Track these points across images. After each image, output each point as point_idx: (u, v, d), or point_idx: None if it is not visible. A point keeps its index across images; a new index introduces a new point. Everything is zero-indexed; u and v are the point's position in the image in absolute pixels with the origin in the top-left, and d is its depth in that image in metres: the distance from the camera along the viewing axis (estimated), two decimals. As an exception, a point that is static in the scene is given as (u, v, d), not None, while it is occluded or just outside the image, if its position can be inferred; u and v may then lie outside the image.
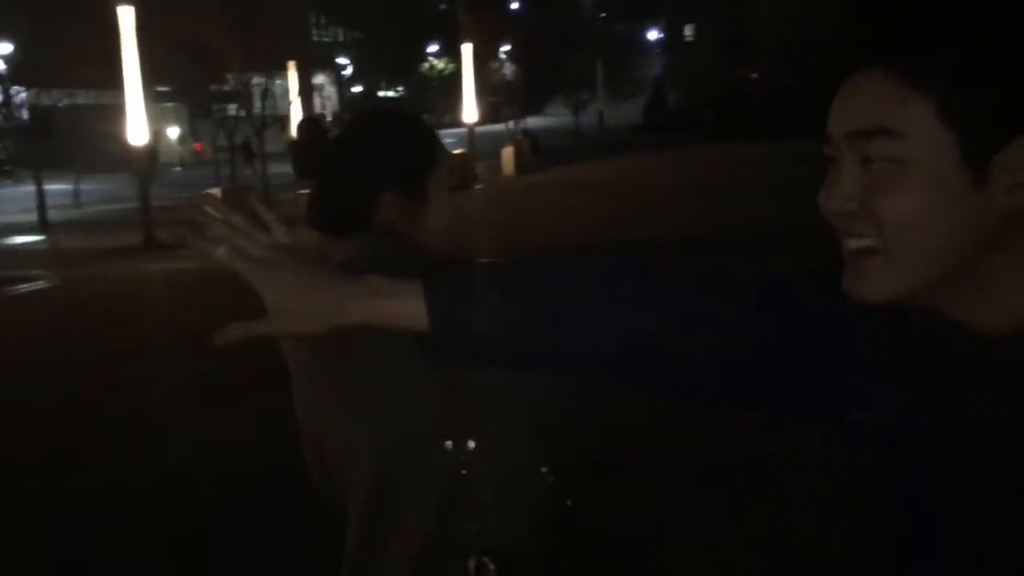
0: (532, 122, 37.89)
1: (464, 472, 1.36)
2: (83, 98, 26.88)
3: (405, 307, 0.90)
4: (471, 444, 1.37)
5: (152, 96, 17.09)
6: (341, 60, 41.91)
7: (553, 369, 0.95)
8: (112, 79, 16.56)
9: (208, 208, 0.93)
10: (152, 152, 18.68)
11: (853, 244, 0.81)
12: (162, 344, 8.27)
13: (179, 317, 9.79)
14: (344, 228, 1.50)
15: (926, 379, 0.84)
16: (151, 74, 15.98)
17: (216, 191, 16.88)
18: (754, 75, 42.79)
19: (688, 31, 56.43)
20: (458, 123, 27.94)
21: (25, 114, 22.58)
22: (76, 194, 24.12)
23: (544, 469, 1.48)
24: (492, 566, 1.37)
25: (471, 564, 1.37)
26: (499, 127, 34.29)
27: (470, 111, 26.93)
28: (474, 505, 1.37)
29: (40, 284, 12.21)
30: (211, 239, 0.92)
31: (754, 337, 0.91)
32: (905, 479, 0.86)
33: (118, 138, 22.16)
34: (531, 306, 0.91)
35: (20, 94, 17.37)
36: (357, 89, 43.65)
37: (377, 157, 1.52)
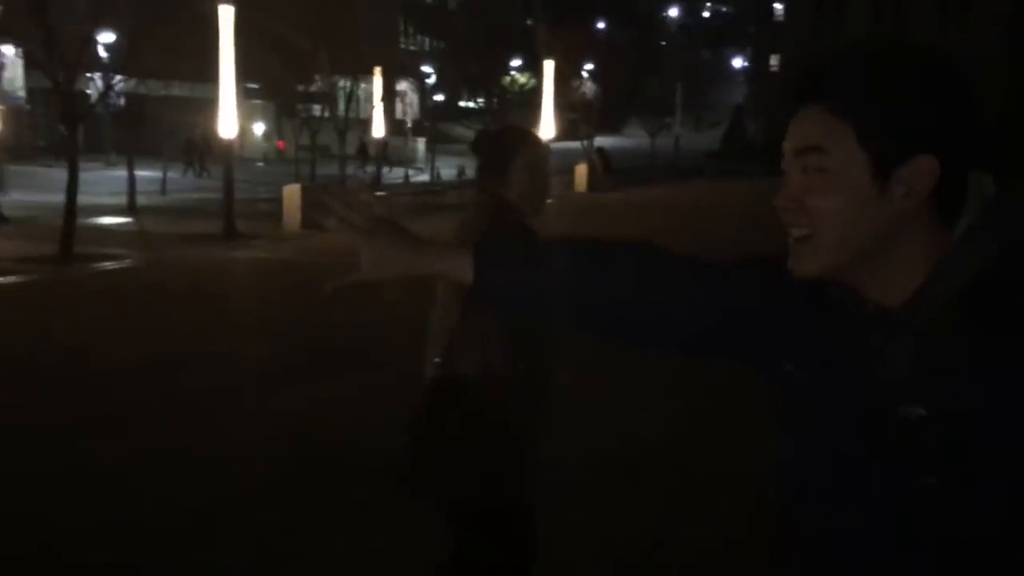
0: (608, 142, 38.06)
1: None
2: (177, 90, 28.01)
3: (458, 266, 1.24)
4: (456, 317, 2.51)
5: (241, 92, 17.78)
6: (425, 68, 42.72)
7: (544, 315, 1.29)
8: (205, 73, 17.31)
9: (331, 194, 1.29)
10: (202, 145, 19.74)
11: (794, 233, 1.09)
12: (235, 323, 8.75)
13: (253, 301, 10.30)
14: (480, 190, 2.74)
15: (838, 338, 1.10)
16: (243, 71, 16.67)
17: (295, 187, 17.50)
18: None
19: (774, 61, 56.03)
20: (535, 138, 28.20)
21: (122, 102, 23.66)
22: (163, 181, 25.14)
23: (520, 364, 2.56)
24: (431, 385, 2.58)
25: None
26: (575, 144, 34.58)
27: (548, 127, 27.28)
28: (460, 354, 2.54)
29: (126, 263, 12.88)
30: (328, 214, 1.26)
31: (714, 309, 1.21)
32: (816, 419, 1.11)
33: (207, 131, 23.16)
34: (533, 277, 1.25)
35: (119, 83, 18.21)
36: (439, 98, 44.43)
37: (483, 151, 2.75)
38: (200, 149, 31.15)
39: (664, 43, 46.73)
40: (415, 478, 2.62)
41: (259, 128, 42.05)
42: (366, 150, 28.77)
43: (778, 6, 52.30)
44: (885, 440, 1.05)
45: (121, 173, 22.18)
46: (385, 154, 32.57)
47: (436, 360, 2.56)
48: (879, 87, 1.03)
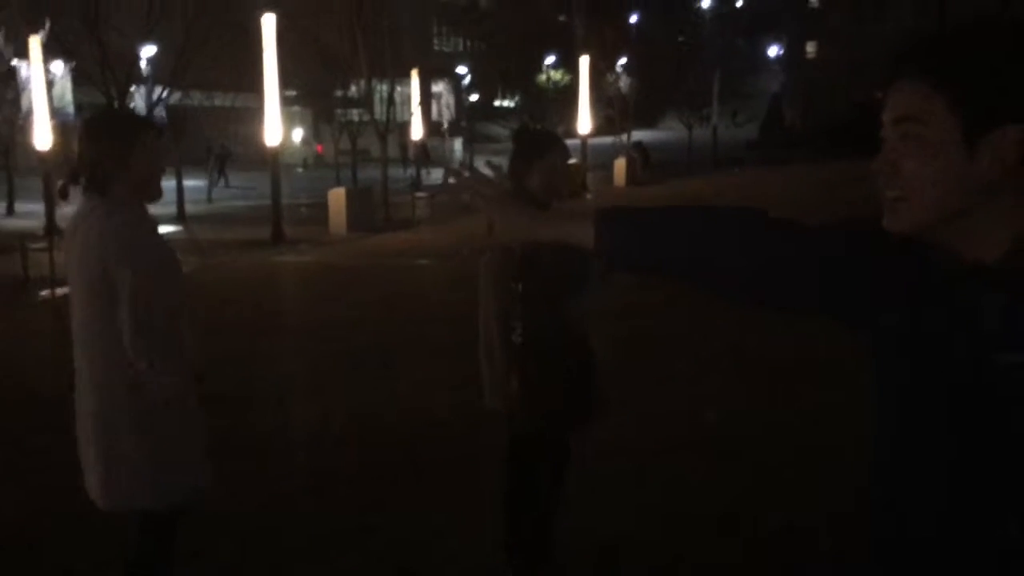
0: (646, 135, 37.95)
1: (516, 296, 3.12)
2: (219, 100, 28.50)
3: (580, 231, 1.35)
4: (520, 287, 3.10)
5: (281, 100, 18.05)
6: (460, 69, 42.95)
7: (664, 273, 1.38)
8: (246, 83, 17.60)
9: (462, 172, 1.46)
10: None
11: (889, 193, 1.22)
12: (285, 324, 8.96)
13: (306, 302, 10.53)
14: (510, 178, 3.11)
15: (933, 293, 1.22)
16: (283, 79, 16.92)
17: (340, 190, 17.76)
18: (880, 95, 41.64)
19: (810, 48, 55.44)
20: (572, 134, 28.33)
21: (164, 113, 24.16)
22: (208, 190, 25.63)
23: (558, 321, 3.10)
24: (520, 340, 3.12)
25: (514, 337, 3.15)
26: (612, 139, 34.54)
27: (584, 122, 27.34)
28: (520, 314, 3.13)
29: (180, 270, 13.18)
30: (462, 189, 1.43)
31: (811, 267, 1.31)
32: (911, 370, 1.22)
33: (248, 139, 23.66)
34: (653, 239, 1.35)
35: (166, 96, 18.61)
36: (474, 98, 44.65)
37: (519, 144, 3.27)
38: (220, 159, 30.43)
39: (699, 34, 46.32)
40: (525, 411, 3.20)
41: (298, 134, 42.54)
42: (426, 151, 29.08)
43: (813, -7, 51.77)
44: (980, 387, 1.16)
45: (166, 183, 22.48)
46: (426, 156, 32.76)
47: (518, 329, 3.13)
48: (971, 62, 1.15)
